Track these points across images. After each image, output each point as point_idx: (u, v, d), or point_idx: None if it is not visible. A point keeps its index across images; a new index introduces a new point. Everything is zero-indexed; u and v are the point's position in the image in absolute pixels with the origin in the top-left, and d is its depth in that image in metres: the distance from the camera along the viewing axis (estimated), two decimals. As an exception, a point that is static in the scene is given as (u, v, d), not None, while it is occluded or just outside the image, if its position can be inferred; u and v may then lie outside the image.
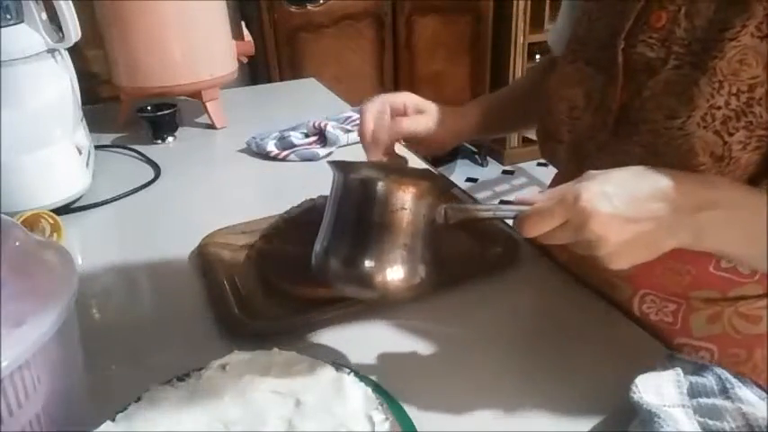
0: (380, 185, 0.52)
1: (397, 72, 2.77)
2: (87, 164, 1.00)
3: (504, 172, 3.20)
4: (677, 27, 0.53)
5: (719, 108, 0.50)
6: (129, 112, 1.28)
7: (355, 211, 0.53)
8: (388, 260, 0.51)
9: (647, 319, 0.63)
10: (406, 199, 0.51)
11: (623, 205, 0.45)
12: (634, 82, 0.56)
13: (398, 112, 0.69)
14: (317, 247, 0.55)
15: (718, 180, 0.51)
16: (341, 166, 0.56)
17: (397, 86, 2.78)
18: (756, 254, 0.50)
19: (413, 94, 0.70)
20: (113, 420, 0.46)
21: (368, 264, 0.51)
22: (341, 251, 0.53)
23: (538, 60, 0.78)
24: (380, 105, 0.68)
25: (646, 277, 0.60)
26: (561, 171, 0.67)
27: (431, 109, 0.71)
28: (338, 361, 0.53)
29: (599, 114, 0.59)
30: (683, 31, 0.52)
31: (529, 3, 2.84)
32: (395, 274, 0.51)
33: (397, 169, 0.55)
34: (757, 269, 0.56)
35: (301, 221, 0.77)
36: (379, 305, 0.64)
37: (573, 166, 0.62)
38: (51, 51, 0.95)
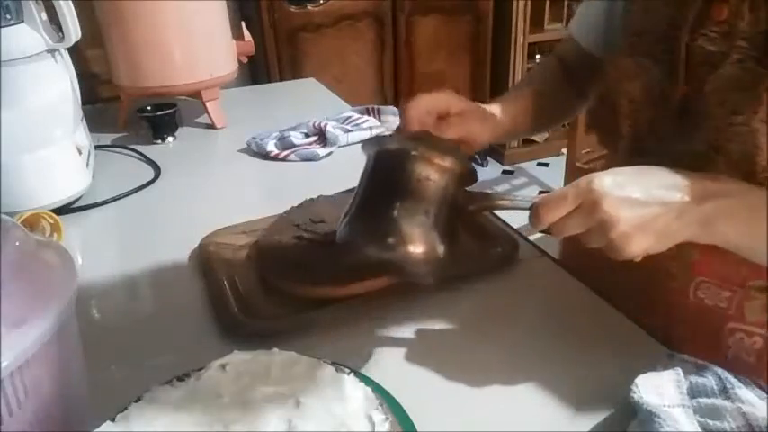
0: (407, 155, 0.53)
1: (397, 72, 2.77)
2: (87, 164, 1.00)
3: (504, 172, 3.20)
4: (740, 20, 0.52)
5: None
6: (129, 112, 1.28)
7: (381, 180, 0.55)
8: (410, 224, 0.51)
9: (702, 304, 0.63)
10: (431, 170, 0.52)
11: (634, 190, 0.47)
12: (695, 76, 0.55)
13: (442, 115, 0.65)
14: (343, 214, 0.56)
15: (723, 176, 0.51)
16: (374, 142, 0.57)
17: (396, 86, 2.79)
18: (763, 246, 0.50)
19: (453, 94, 0.67)
20: (113, 420, 0.46)
21: (389, 225, 0.52)
22: (365, 217, 0.54)
23: (539, 61, 0.77)
24: (425, 106, 0.64)
25: (705, 266, 0.60)
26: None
27: (472, 110, 0.67)
28: (338, 361, 0.53)
29: (659, 108, 0.59)
30: (746, 25, 0.51)
31: (529, 3, 2.84)
32: (415, 238, 0.52)
33: (427, 141, 0.55)
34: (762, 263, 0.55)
35: (301, 221, 0.77)
36: (400, 278, 0.61)
37: (634, 161, 0.58)
38: (51, 51, 0.95)
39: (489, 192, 0.56)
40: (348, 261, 0.69)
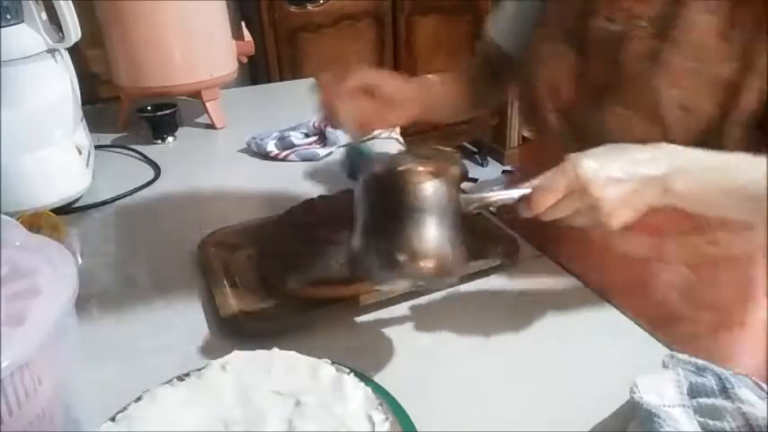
0: (396, 174, 0.53)
1: (397, 72, 2.76)
2: (87, 164, 1.00)
3: (504, 172, 3.20)
4: (639, 4, 0.63)
5: (682, 69, 0.60)
6: (129, 112, 1.28)
7: (377, 204, 0.55)
8: (417, 238, 0.52)
9: (630, 256, 0.72)
10: (423, 180, 0.53)
11: (614, 170, 0.53)
12: (604, 54, 0.66)
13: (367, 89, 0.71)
14: (353, 244, 0.56)
15: (664, 143, 0.58)
16: (357, 166, 0.58)
17: (396, 86, 2.78)
18: (710, 199, 0.58)
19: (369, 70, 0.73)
20: (113, 420, 0.46)
21: (396, 245, 0.52)
22: (370, 244, 0.54)
23: (467, 62, 0.88)
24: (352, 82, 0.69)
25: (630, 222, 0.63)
26: (553, 138, 0.74)
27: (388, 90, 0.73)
28: (338, 361, 0.53)
29: (580, 84, 0.69)
30: (645, 7, 0.63)
31: (528, 3, 2.84)
32: (425, 250, 0.52)
33: (408, 154, 0.57)
34: (724, 217, 0.66)
35: (301, 221, 0.77)
36: (416, 290, 0.62)
37: (566, 130, 0.72)
38: (51, 51, 0.95)
39: (482, 194, 0.57)
40: (348, 261, 0.69)
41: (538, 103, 0.74)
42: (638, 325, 0.64)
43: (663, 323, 0.67)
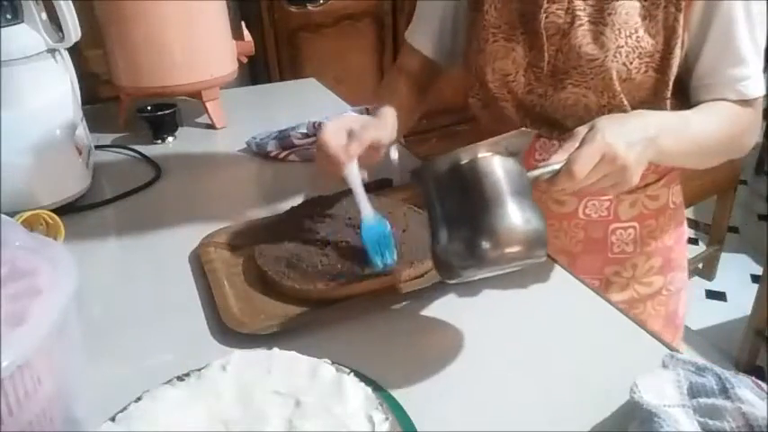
0: (459, 166, 0.55)
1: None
2: (87, 164, 1.00)
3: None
4: None
5: (622, 47, 0.72)
6: (129, 112, 1.28)
7: (456, 197, 0.56)
8: (502, 218, 0.53)
9: (590, 218, 0.84)
10: (486, 166, 0.55)
11: (631, 136, 0.61)
12: (552, 43, 0.76)
13: (349, 132, 0.73)
14: (436, 243, 0.56)
15: (649, 111, 0.69)
16: (422, 169, 0.58)
17: (397, 86, 2.78)
18: (686, 150, 0.70)
19: (353, 115, 0.82)
20: (113, 420, 0.46)
21: (477, 235, 0.53)
22: (458, 235, 0.54)
23: (387, 77, 0.94)
24: (333, 128, 0.72)
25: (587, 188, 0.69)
26: (512, 125, 0.81)
27: (371, 122, 0.77)
28: (338, 361, 0.53)
29: (529, 73, 0.79)
30: (580, 1, 0.73)
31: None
32: (511, 226, 0.53)
33: (468, 147, 0.58)
34: (680, 166, 0.82)
35: (301, 221, 0.77)
36: (512, 266, 0.60)
37: (522, 116, 0.82)
38: (51, 51, 0.95)
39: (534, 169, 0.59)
40: (348, 261, 0.69)
41: (492, 97, 0.83)
42: (639, 326, 0.64)
43: (616, 274, 0.85)
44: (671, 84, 0.74)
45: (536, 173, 0.58)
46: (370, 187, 0.73)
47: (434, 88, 0.96)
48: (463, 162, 0.55)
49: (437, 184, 0.57)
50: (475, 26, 0.82)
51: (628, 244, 0.85)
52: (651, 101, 0.75)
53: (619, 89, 0.73)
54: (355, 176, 0.70)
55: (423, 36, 0.92)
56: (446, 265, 0.56)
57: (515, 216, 0.53)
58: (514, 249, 0.53)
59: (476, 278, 0.58)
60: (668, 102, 0.75)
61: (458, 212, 0.55)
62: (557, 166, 0.58)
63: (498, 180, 0.54)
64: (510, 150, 0.56)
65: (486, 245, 0.53)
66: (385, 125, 0.79)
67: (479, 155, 0.55)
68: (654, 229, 0.85)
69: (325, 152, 0.70)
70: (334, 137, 0.70)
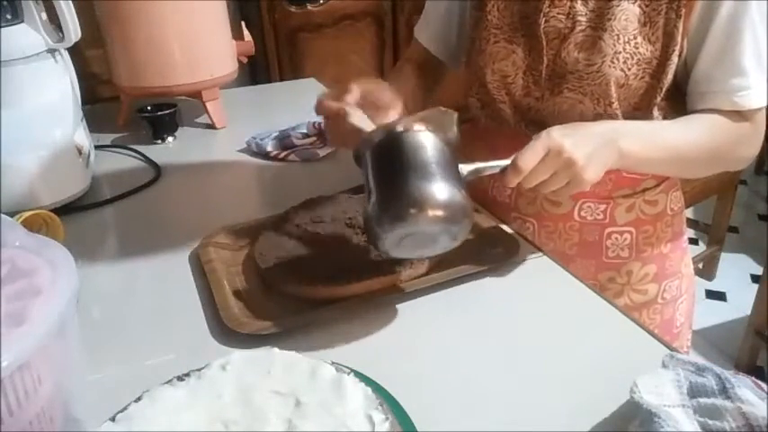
0: (395, 135, 0.58)
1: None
2: (87, 164, 1.00)
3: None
4: (576, 3, 0.74)
5: (619, 53, 0.72)
6: (129, 112, 1.28)
7: (383, 170, 0.59)
8: (425, 188, 0.56)
9: (585, 221, 0.84)
10: (420, 138, 0.58)
11: (578, 133, 0.63)
12: (552, 47, 0.76)
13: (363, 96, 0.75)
14: (365, 209, 0.60)
15: (620, 121, 0.74)
16: (363, 142, 0.62)
17: (397, 86, 2.78)
18: (653, 157, 0.71)
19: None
20: (113, 420, 0.46)
21: (404, 200, 0.56)
22: (381, 206, 0.57)
23: (396, 66, 0.96)
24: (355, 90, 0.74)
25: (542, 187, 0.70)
26: (508, 127, 0.85)
27: (380, 86, 0.79)
28: (338, 361, 0.53)
29: (528, 76, 0.79)
30: (581, 5, 0.74)
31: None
32: (433, 197, 0.56)
33: (407, 118, 0.62)
34: (662, 174, 0.82)
35: (301, 221, 0.77)
36: (441, 246, 0.62)
37: (518, 118, 0.83)
38: (51, 51, 0.95)
39: (462, 166, 0.61)
40: (348, 261, 0.69)
41: (490, 98, 0.84)
42: (639, 325, 0.64)
43: (611, 280, 0.85)
44: (664, 90, 0.74)
45: (480, 165, 0.62)
46: (362, 188, 0.73)
47: (441, 85, 0.97)
48: (395, 131, 0.59)
49: (370, 154, 0.61)
50: (478, 26, 0.82)
51: (623, 249, 0.84)
52: (643, 107, 0.75)
53: (615, 95, 0.74)
54: (361, 116, 0.70)
55: (429, 34, 0.93)
56: (371, 229, 0.59)
57: (433, 180, 0.56)
58: (433, 212, 0.56)
59: (409, 252, 0.60)
60: (657, 107, 0.75)
61: (380, 178, 0.59)
62: (503, 163, 0.62)
63: (418, 149, 0.58)
64: (431, 126, 0.60)
65: (403, 203, 0.56)
66: (385, 86, 0.79)
67: (402, 127, 0.59)
68: (650, 236, 0.85)
69: (326, 111, 0.73)
70: (331, 97, 0.74)
